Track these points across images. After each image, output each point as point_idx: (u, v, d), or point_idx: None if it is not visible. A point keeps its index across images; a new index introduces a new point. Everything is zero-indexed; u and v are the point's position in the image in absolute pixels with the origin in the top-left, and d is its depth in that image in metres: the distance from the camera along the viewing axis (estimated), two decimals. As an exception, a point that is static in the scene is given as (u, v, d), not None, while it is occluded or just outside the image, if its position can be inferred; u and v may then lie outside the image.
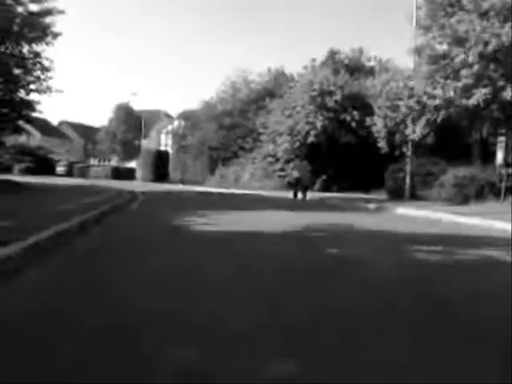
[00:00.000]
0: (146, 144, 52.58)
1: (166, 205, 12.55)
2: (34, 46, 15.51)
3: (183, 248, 4.89)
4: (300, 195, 16.41)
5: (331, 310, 2.70)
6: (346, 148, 22.69)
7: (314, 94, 23.53)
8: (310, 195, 17.00)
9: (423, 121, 15.38)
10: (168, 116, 62.07)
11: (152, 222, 7.53)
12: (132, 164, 51.55)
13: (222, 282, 3.37)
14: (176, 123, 46.02)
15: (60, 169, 44.61)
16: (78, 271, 3.55)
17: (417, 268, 4.21)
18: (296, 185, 17.02)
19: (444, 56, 14.72)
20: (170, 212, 9.49)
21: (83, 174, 43.02)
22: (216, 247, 5.04)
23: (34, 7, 15.17)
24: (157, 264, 3.92)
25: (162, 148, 48.26)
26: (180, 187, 27.08)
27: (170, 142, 46.25)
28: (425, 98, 14.93)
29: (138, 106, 61.75)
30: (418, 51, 15.90)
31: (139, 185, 27.74)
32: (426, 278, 3.77)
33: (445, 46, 15.05)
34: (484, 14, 14.07)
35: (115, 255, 4.30)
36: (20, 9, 14.99)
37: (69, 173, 43.47)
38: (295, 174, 17.10)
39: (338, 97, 23.18)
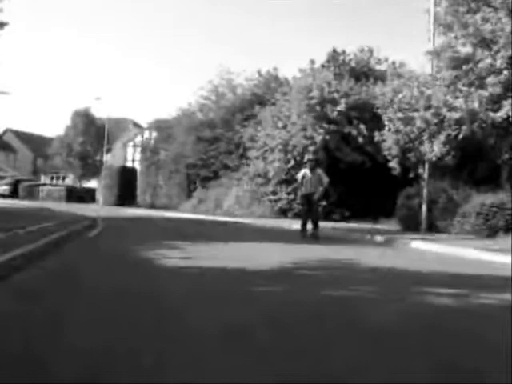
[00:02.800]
0: (110, 159, 52.54)
1: (132, 234, 12.51)
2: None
3: (147, 288, 4.87)
4: (310, 227, 13.09)
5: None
6: (350, 168, 22.81)
7: (313, 102, 23.72)
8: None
9: (442, 137, 15.55)
10: (137, 125, 62.22)
11: (111, 255, 7.50)
12: (92, 183, 51.45)
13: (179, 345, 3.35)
14: (146, 134, 46.13)
15: (2, 188, 44.37)
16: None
17: (426, 315, 4.22)
18: (305, 207, 13.44)
19: (467, 59, 14.98)
20: (136, 243, 9.45)
21: (31, 194, 42.83)
22: (189, 287, 5.01)
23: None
24: (99, 316, 3.89)
25: (129, 164, 48.25)
26: (150, 212, 27.01)
27: (138, 157, 46.30)
28: (444, 110, 15.13)
29: (100, 113, 61.87)
30: (436, 53, 16.17)
31: (100, 209, 27.64)
32: (437, 328, 3.78)
33: (468, 48, 15.32)
34: (514, 12, 14.41)
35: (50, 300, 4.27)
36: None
37: (13, 193, 43.22)
38: (303, 189, 13.29)
39: (341, 106, 23.37)
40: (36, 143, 69.70)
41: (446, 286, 5.77)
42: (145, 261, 6.94)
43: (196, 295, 4.63)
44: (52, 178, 61.31)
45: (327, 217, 22.24)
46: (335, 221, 21.37)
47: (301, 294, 4.92)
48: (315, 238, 12.71)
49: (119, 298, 4.32)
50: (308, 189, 13.19)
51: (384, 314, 4.18)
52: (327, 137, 23.04)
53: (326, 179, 13.33)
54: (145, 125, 51.25)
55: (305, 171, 13.49)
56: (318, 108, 23.61)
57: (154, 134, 42.29)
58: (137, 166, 44.38)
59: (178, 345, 3.00)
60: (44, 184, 49.95)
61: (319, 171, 13.56)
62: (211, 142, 32.66)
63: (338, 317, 4.00)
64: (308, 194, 13.18)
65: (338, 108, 23.39)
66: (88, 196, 44.44)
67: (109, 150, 52.36)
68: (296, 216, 22.97)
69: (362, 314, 4.12)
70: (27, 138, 71.39)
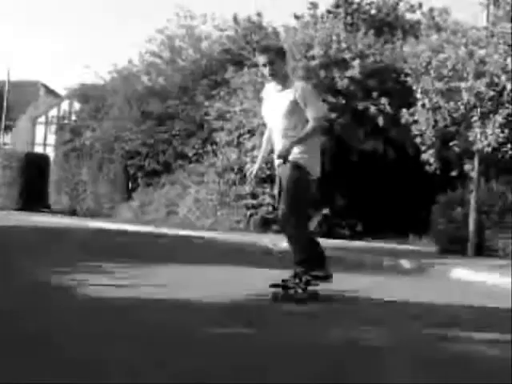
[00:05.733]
0: (10, 142, 52.18)
1: (40, 250, 12.49)
2: None
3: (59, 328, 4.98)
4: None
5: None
6: (366, 161, 22.87)
7: (314, 63, 23.82)
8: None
9: (500, 118, 15.69)
10: (51, 93, 61.85)
11: (8, 280, 7.58)
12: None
13: None
14: (65, 106, 45.86)
15: None
16: None
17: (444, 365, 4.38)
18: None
19: (536, 7, 15.25)
20: (45, 263, 9.49)
21: None
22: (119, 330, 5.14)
23: None
24: None
25: (39, 149, 47.91)
26: (70, 221, 26.91)
27: (52, 140, 46.02)
28: (503, 78, 15.30)
29: (-3, 73, 61.39)
30: (493, -3, 16.39)
31: (-7, 215, 27.49)
32: None
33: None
34: None
35: None
36: None
37: None
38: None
39: (354, 71, 23.48)
40: None
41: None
42: (57, 289, 7.03)
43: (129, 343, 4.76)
44: None
45: (330, 232, 22.32)
46: (343, 238, 21.36)
47: (281, 337, 5.07)
48: (297, 300, 7.23)
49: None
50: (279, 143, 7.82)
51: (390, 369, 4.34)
52: (333, 115, 23.18)
53: (316, 106, 7.63)
54: (63, 92, 50.89)
55: (266, 92, 8.22)
56: (320, 73, 23.70)
57: (77, 106, 42.02)
58: (50, 152, 44.11)
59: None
60: None
61: (299, 85, 7.78)
62: (162, 120, 32.45)
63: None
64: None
65: (350, 73, 23.51)
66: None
67: (8, 129, 52.01)
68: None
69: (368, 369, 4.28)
70: None
